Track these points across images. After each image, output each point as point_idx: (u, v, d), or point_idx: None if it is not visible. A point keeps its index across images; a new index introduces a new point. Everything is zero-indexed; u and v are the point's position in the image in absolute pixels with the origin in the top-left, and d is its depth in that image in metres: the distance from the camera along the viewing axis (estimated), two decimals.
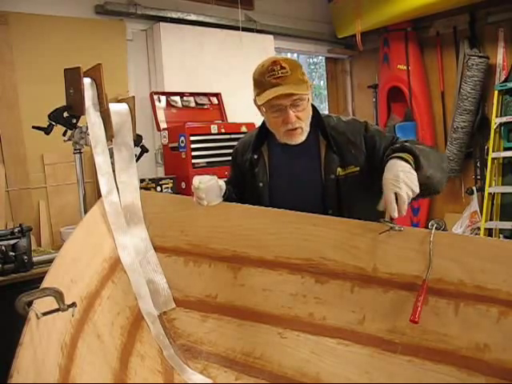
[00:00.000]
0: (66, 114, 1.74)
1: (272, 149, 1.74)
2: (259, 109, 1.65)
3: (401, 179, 1.29)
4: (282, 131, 1.61)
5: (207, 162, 3.72)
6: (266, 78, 1.54)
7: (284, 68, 1.53)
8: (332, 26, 5.31)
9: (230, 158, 1.91)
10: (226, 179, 1.77)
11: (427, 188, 1.41)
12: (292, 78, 1.53)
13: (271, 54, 4.44)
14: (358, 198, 1.62)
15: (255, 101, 1.62)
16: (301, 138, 1.62)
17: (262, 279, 1.58)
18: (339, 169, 1.62)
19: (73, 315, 1.19)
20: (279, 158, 1.72)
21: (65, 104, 1.69)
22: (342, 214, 1.57)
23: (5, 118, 3.23)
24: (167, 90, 3.99)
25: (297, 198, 1.64)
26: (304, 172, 1.68)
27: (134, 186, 1.70)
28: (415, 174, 1.33)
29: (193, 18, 4.18)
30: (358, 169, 1.62)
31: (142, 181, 3.24)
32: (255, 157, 1.73)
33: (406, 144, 1.45)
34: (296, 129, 1.59)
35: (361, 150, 1.63)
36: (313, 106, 1.66)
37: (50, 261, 1.40)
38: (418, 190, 1.31)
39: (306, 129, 1.63)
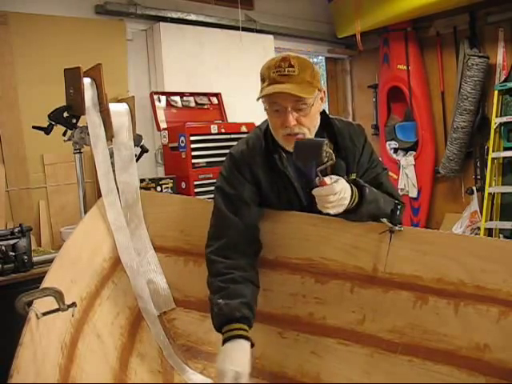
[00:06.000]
0: (65, 114, 1.74)
1: (283, 152, 1.54)
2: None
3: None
4: (281, 134, 1.47)
5: (207, 162, 3.72)
6: (271, 73, 1.43)
7: (292, 66, 1.42)
8: (332, 26, 5.31)
9: None
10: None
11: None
12: (298, 78, 1.41)
13: (271, 53, 4.44)
14: None
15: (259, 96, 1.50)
16: None
17: (262, 279, 1.57)
18: (344, 176, 1.48)
19: (73, 315, 1.19)
20: (290, 161, 1.53)
21: (65, 104, 1.70)
22: None
23: (5, 118, 3.23)
24: (167, 90, 3.99)
25: (310, 203, 1.51)
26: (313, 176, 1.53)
27: (134, 186, 1.71)
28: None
29: (193, 17, 4.18)
30: (354, 176, 1.53)
31: (142, 181, 3.24)
32: (276, 156, 1.51)
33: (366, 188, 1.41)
34: (297, 134, 1.44)
35: (357, 158, 1.55)
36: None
37: (50, 261, 1.40)
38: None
39: (310, 135, 1.48)
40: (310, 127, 1.47)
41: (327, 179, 1.32)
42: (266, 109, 1.52)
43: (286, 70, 1.42)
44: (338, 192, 1.30)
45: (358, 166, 1.55)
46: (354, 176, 1.52)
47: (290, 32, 4.94)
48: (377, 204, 1.42)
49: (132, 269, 1.62)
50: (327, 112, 1.61)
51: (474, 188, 4.73)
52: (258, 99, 1.47)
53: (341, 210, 1.35)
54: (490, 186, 4.35)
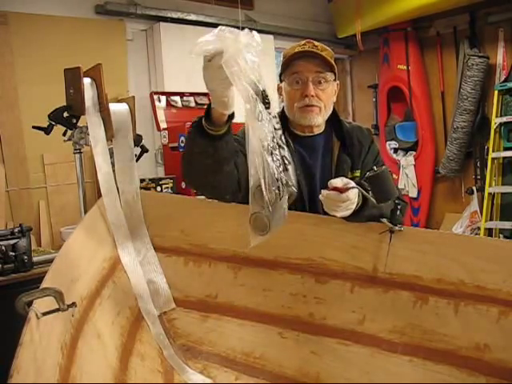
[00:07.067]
0: (65, 114, 1.74)
1: (290, 137, 1.57)
2: (279, 92, 1.59)
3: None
4: (296, 107, 1.51)
5: None
6: (295, 50, 1.51)
7: (316, 46, 1.51)
8: (332, 26, 5.31)
9: None
10: None
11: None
12: (322, 54, 1.49)
13: (271, 54, 4.44)
14: None
15: (280, 76, 1.57)
16: (316, 119, 1.52)
17: (262, 279, 1.58)
18: (349, 172, 1.57)
19: (73, 315, 1.19)
20: (296, 149, 1.57)
21: (65, 104, 1.69)
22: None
23: (5, 118, 3.23)
24: (167, 90, 3.99)
25: (309, 193, 1.57)
26: (316, 168, 1.59)
27: (134, 186, 1.70)
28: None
29: (193, 17, 4.18)
30: (358, 174, 1.59)
31: (142, 181, 3.24)
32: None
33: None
34: (313, 106, 1.49)
35: (363, 157, 1.61)
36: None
37: (50, 261, 1.40)
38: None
39: (325, 114, 1.54)
40: (326, 104, 1.52)
41: (339, 182, 1.30)
42: (280, 93, 1.56)
43: (311, 47, 1.50)
44: (351, 199, 1.31)
45: (362, 165, 1.59)
46: (357, 173, 1.58)
47: (289, 32, 4.93)
48: (379, 208, 1.43)
49: (132, 269, 1.62)
50: None
51: (474, 188, 4.73)
52: (283, 66, 1.52)
53: (347, 214, 1.36)
54: (490, 186, 4.35)
